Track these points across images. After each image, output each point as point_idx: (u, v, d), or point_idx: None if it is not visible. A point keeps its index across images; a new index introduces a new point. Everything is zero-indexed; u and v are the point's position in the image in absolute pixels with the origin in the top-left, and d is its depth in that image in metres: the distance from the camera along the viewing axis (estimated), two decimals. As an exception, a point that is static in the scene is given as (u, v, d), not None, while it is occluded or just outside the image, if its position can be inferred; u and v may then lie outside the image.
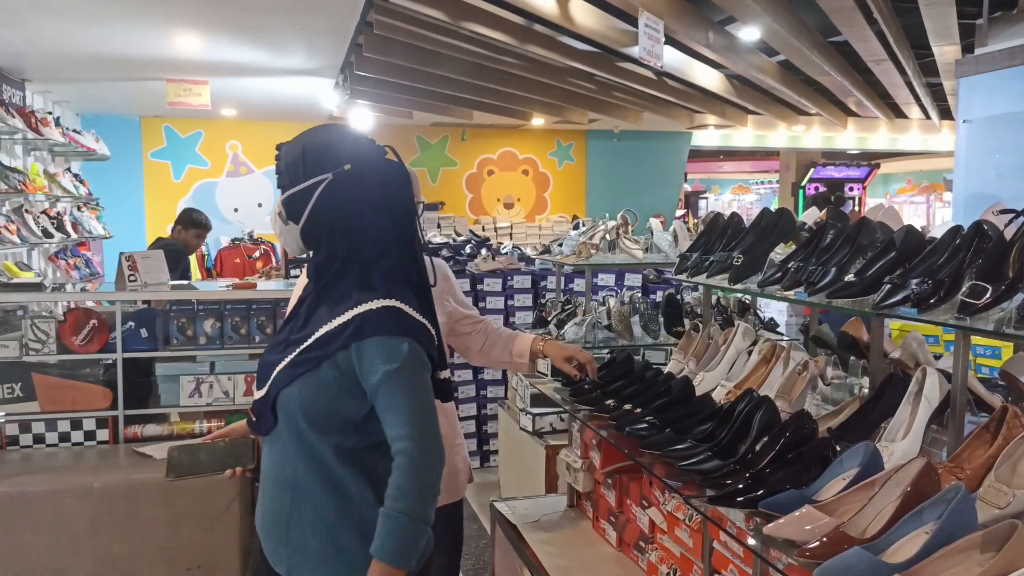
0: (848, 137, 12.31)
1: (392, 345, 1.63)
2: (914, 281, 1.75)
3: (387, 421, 1.63)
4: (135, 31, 5.71)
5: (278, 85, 7.97)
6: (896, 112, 10.84)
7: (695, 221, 12.69)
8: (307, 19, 5.43)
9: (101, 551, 3.42)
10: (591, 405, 2.55)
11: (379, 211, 1.72)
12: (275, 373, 1.75)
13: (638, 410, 2.33)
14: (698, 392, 2.42)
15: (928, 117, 10.74)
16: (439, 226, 10.74)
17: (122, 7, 5.08)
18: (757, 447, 1.89)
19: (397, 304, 1.67)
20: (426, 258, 2.00)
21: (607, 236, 3.82)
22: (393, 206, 1.77)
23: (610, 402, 2.46)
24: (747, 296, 3.88)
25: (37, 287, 4.09)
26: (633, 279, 5.72)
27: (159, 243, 6.07)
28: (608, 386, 2.58)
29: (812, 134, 12.40)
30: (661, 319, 3.73)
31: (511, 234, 11.30)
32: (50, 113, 7.58)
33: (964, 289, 1.65)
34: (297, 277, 11.94)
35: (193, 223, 6.28)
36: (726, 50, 6.22)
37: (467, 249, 7.07)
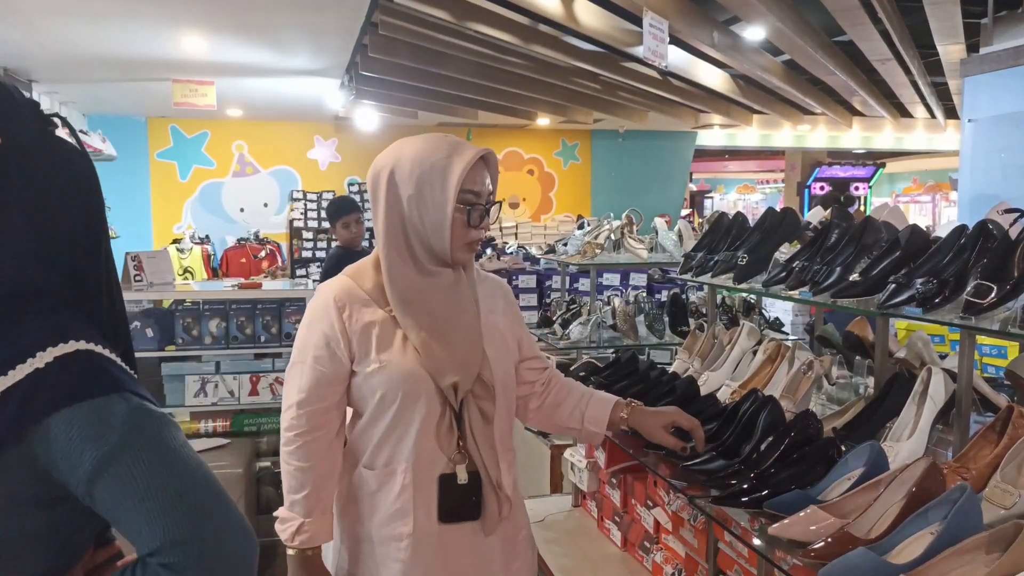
0: (853, 136, 12.29)
1: (96, 412, 0.93)
2: (919, 280, 1.75)
3: (130, 530, 0.94)
4: (141, 32, 5.73)
5: (283, 85, 7.98)
6: (901, 111, 10.82)
7: (700, 220, 12.68)
8: (312, 19, 5.43)
9: (107, 550, 3.43)
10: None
11: (41, 211, 1.00)
12: None
13: (643, 410, 2.32)
14: (703, 392, 2.42)
15: (933, 116, 10.72)
16: (444, 226, 10.74)
17: (128, 8, 5.09)
18: (762, 447, 1.89)
19: (84, 346, 0.97)
20: (486, 274, 1.90)
21: (612, 236, 3.81)
22: (72, 207, 1.05)
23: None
24: (752, 296, 3.88)
25: (43, 287, 4.09)
26: (638, 279, 5.71)
27: (334, 257, 4.97)
28: (613, 386, 2.58)
29: (817, 133, 12.38)
30: (666, 319, 3.72)
31: (516, 234, 11.31)
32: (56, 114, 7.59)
33: (969, 288, 1.65)
34: (304, 277, 11.91)
35: (336, 212, 4.90)
36: (731, 50, 6.21)
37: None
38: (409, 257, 1.69)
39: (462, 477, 1.70)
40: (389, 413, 1.67)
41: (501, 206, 1.80)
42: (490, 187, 1.72)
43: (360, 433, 1.74)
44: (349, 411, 1.79)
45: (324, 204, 11.02)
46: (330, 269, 4.41)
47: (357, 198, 11.17)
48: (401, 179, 1.66)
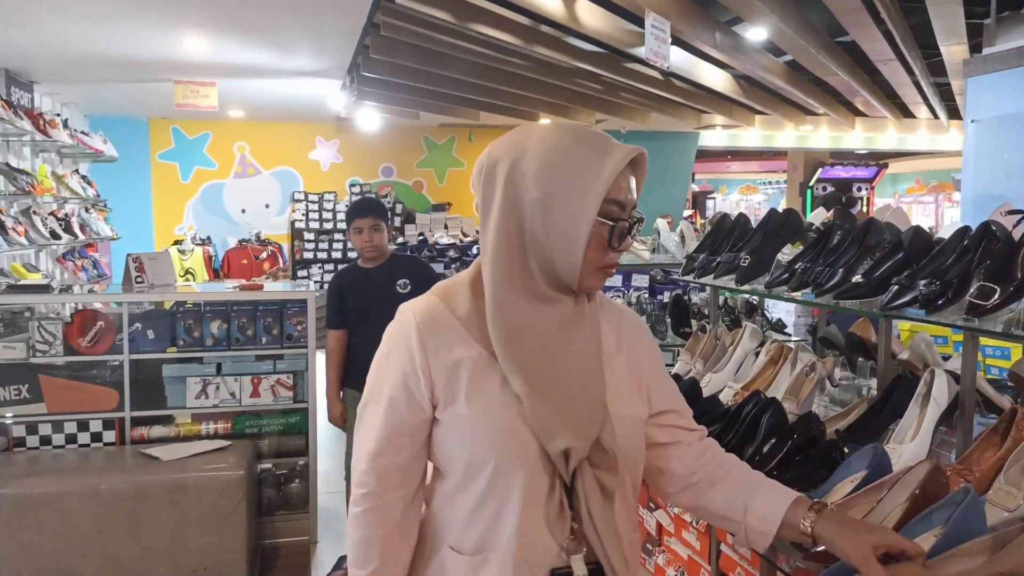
0: (856, 137, 12.27)
1: None
2: (922, 282, 1.74)
3: None
4: (143, 33, 5.73)
5: (285, 86, 7.98)
6: (904, 112, 10.81)
7: (702, 221, 12.65)
8: (314, 21, 5.43)
9: (107, 553, 3.43)
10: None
11: None
12: None
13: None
14: (705, 393, 2.41)
15: (936, 117, 10.70)
16: (446, 227, 10.75)
17: (130, 9, 5.09)
18: (765, 449, 1.88)
19: None
20: (612, 303, 1.48)
21: (613, 237, 3.81)
22: None
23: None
24: (754, 297, 3.87)
25: (44, 289, 4.10)
26: (640, 280, 5.70)
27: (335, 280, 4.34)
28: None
29: (820, 134, 12.36)
30: (668, 320, 3.72)
31: (518, 235, 11.28)
32: (58, 115, 7.61)
33: (972, 290, 1.64)
34: (306, 278, 11.91)
35: (347, 215, 4.12)
36: (733, 50, 6.20)
37: (474, 249, 7.08)
38: (522, 278, 1.27)
39: (579, 572, 1.28)
40: (480, 481, 1.26)
41: (643, 223, 1.36)
42: (636, 197, 1.31)
43: (445, 501, 1.33)
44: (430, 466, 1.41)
45: (325, 205, 11.03)
46: (330, 296, 3.95)
47: (350, 200, 11.17)
48: (525, 177, 1.24)
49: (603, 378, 1.32)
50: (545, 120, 10.22)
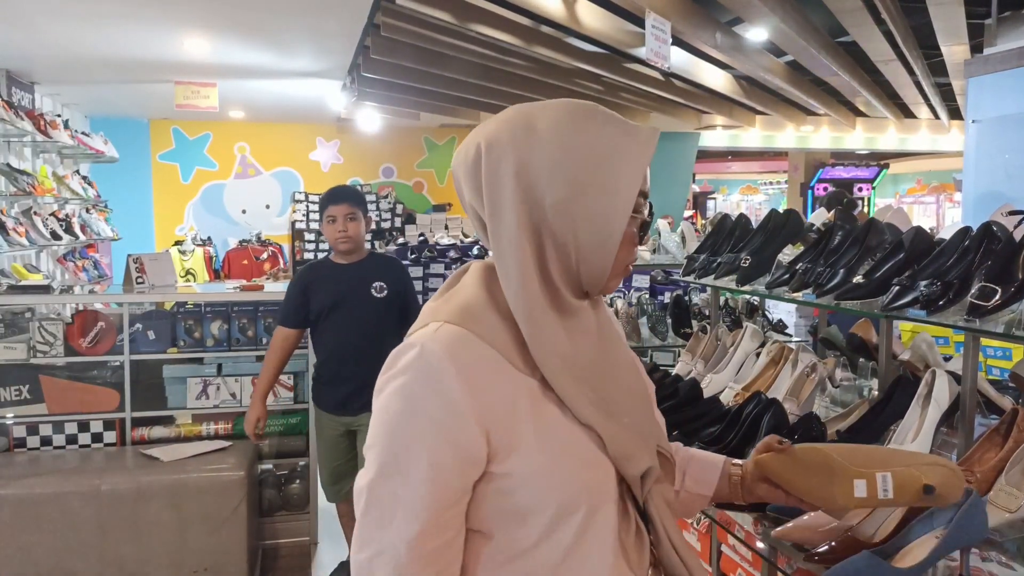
0: (857, 137, 12.27)
1: None
2: (923, 283, 1.74)
3: None
4: (144, 34, 5.73)
5: (286, 87, 7.98)
6: (905, 112, 10.80)
7: (703, 222, 12.66)
8: (315, 21, 5.43)
9: (108, 553, 3.43)
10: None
11: None
12: None
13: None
14: (706, 394, 2.41)
15: (937, 117, 10.69)
16: (447, 227, 10.75)
17: (131, 10, 5.10)
18: (765, 450, 1.88)
19: None
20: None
21: (614, 237, 3.80)
22: None
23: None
24: (755, 297, 3.86)
25: (45, 289, 4.10)
26: (641, 280, 5.70)
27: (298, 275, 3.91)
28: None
29: (821, 134, 12.36)
30: (669, 320, 3.71)
31: (518, 235, 11.28)
32: (59, 116, 7.61)
33: (973, 291, 1.64)
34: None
35: (323, 202, 3.59)
36: (733, 51, 6.20)
37: (475, 250, 7.08)
38: (547, 291, 1.07)
39: None
40: (570, 527, 1.04)
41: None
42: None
43: (516, 561, 1.06)
44: None
45: (327, 206, 11.01)
46: (291, 289, 3.56)
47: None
48: (539, 174, 1.04)
49: (646, 380, 1.22)
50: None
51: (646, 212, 1.13)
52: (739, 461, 1.37)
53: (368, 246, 3.72)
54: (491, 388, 1.02)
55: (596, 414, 1.07)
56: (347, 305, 3.45)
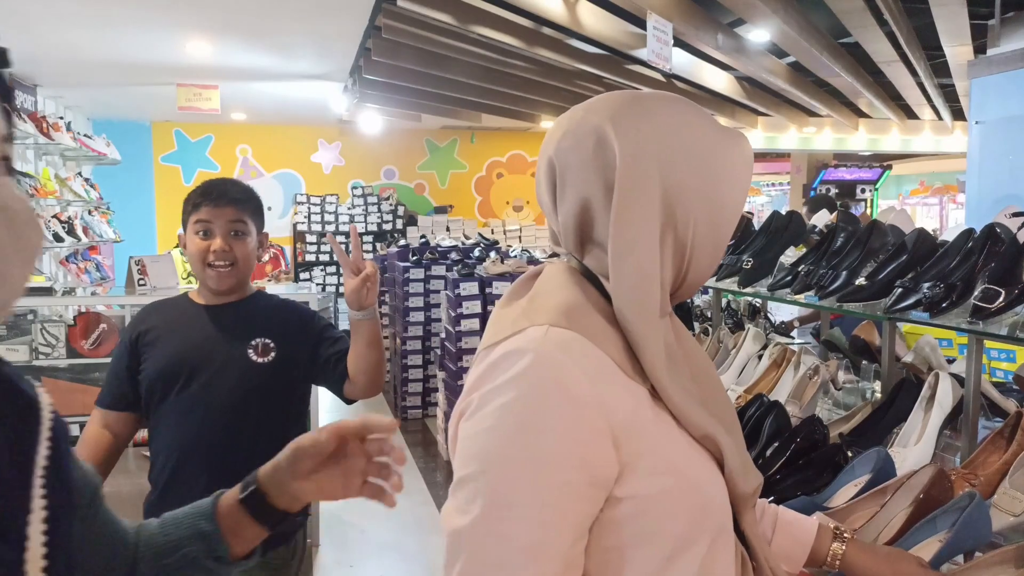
0: (860, 139, 12.25)
1: None
2: (926, 285, 1.73)
3: None
4: (146, 36, 5.74)
5: (287, 89, 7.99)
6: (908, 113, 10.78)
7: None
8: (316, 24, 5.43)
9: (110, 555, 3.42)
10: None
11: None
12: None
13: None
14: (708, 397, 2.39)
15: (940, 118, 10.68)
16: (448, 229, 10.75)
17: (133, 13, 5.10)
18: (767, 453, 1.87)
19: None
20: None
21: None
22: None
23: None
24: (757, 299, 3.86)
25: (47, 291, 4.10)
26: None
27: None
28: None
29: (823, 136, 12.34)
30: (671, 322, 3.70)
31: (520, 237, 11.29)
32: (61, 118, 7.63)
33: (977, 293, 1.63)
34: (308, 280, 11.79)
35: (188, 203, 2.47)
36: (735, 52, 6.19)
37: (476, 252, 7.07)
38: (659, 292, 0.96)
39: None
40: (699, 548, 0.93)
41: None
42: None
43: None
44: None
45: (327, 207, 11.03)
46: (117, 350, 2.24)
47: (361, 202, 11.17)
48: (675, 165, 0.94)
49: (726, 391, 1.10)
50: (548, 123, 10.20)
51: None
52: (837, 543, 1.21)
53: (257, 283, 2.53)
54: (615, 397, 0.90)
55: (719, 425, 0.96)
56: (203, 374, 2.07)
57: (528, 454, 0.86)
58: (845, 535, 1.22)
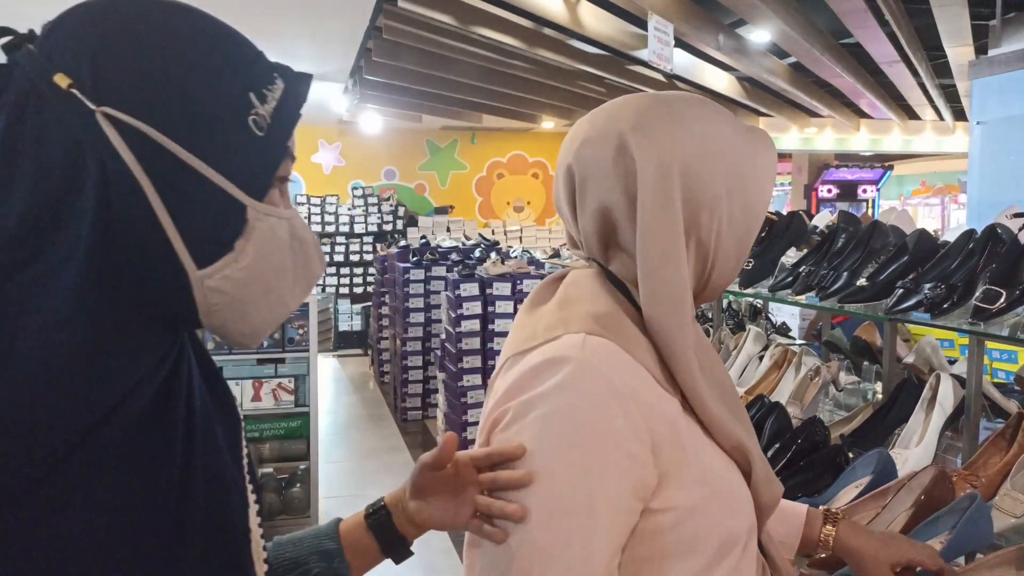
0: (861, 139, 12.25)
1: None
2: (927, 285, 1.72)
3: None
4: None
5: (288, 90, 7.98)
6: (909, 114, 10.79)
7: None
8: (317, 24, 5.44)
9: (110, 557, 3.42)
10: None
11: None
12: None
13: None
14: (708, 398, 2.39)
15: (942, 119, 10.68)
16: (448, 229, 10.75)
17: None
18: (768, 454, 1.86)
19: None
20: None
21: (616, 240, 3.79)
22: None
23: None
24: (758, 300, 3.85)
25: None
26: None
27: None
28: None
29: (824, 136, 12.34)
30: (671, 323, 3.70)
31: (521, 237, 11.29)
32: (62, 119, 7.63)
33: (978, 294, 1.63)
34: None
35: None
36: (736, 52, 6.19)
37: (476, 253, 7.07)
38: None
39: None
40: (733, 557, 0.93)
41: None
42: None
43: None
44: None
45: (328, 208, 11.03)
46: None
47: (361, 203, 11.17)
48: (699, 170, 0.93)
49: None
50: (548, 123, 10.20)
51: None
52: (828, 526, 1.21)
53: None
54: (654, 406, 0.88)
55: (746, 433, 0.95)
56: None
57: (577, 465, 0.85)
58: (837, 517, 1.21)
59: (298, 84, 0.74)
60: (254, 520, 0.79)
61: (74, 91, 0.64)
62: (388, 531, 1.02)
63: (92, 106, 0.63)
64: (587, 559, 0.84)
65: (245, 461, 0.83)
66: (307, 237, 0.75)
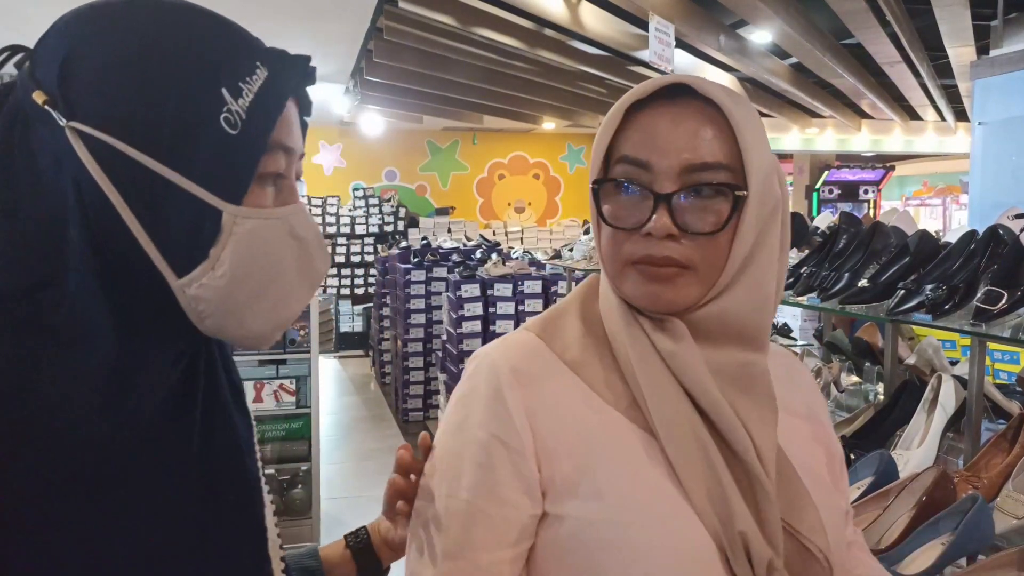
0: (862, 139, 12.24)
1: None
2: (929, 286, 1.72)
3: None
4: (146, 38, 5.74)
5: (289, 91, 7.99)
6: (911, 114, 10.78)
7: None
8: (318, 25, 5.44)
9: (111, 558, 3.42)
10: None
11: None
12: None
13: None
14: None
15: (943, 119, 10.67)
16: (449, 230, 10.76)
17: (133, 14, 5.11)
18: (769, 455, 1.86)
19: None
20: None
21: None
22: None
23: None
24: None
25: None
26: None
27: None
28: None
29: (826, 136, 12.34)
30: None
31: (522, 238, 11.30)
32: (63, 120, 7.64)
33: (979, 295, 1.63)
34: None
35: None
36: (737, 53, 6.19)
37: (477, 254, 7.07)
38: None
39: None
40: None
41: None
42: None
43: None
44: None
45: (328, 209, 11.04)
46: None
47: (362, 204, 11.17)
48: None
49: (775, 439, 0.84)
50: (549, 124, 10.20)
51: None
52: None
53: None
54: (555, 413, 0.83)
55: (686, 450, 0.80)
56: None
57: (455, 448, 0.86)
58: None
59: (285, 70, 0.71)
60: (270, 519, 0.78)
61: (48, 108, 0.63)
62: (366, 554, 1.00)
63: (62, 122, 0.63)
64: (468, 550, 0.81)
65: (260, 461, 0.83)
66: (307, 235, 0.72)
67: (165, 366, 0.68)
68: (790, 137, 12.28)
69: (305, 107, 0.77)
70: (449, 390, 5.66)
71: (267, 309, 0.71)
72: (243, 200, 0.67)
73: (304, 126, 0.78)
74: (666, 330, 0.84)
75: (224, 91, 0.65)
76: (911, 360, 2.32)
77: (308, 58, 0.75)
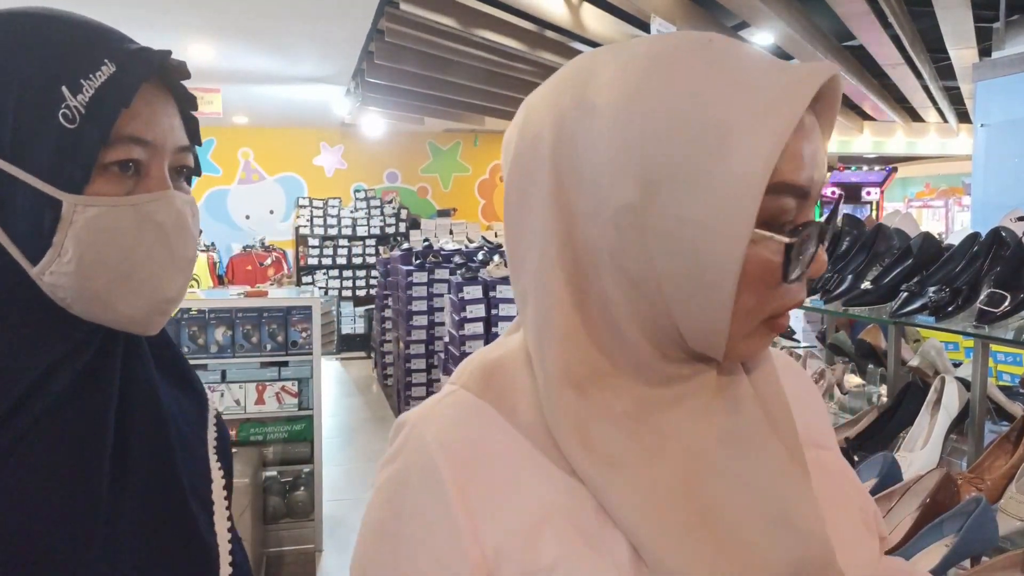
0: (864, 141, 12.24)
1: None
2: (932, 289, 1.72)
3: None
4: (148, 39, 5.67)
5: (289, 92, 7.99)
6: (913, 116, 10.77)
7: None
8: (319, 27, 5.44)
9: (112, 560, 3.42)
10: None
11: None
12: None
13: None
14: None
15: (946, 120, 10.66)
16: (451, 232, 10.75)
17: (135, 15, 5.11)
18: (772, 457, 1.86)
19: None
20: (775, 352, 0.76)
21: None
22: None
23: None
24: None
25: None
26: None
27: None
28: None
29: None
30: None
31: (524, 240, 11.27)
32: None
33: (982, 297, 1.62)
34: (310, 284, 11.82)
35: None
36: (739, 55, 6.18)
37: (479, 255, 7.06)
38: (613, 346, 0.65)
39: None
40: None
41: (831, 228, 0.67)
42: (825, 172, 0.63)
43: None
44: None
45: (330, 211, 11.04)
46: None
47: (364, 205, 11.18)
48: (597, 160, 0.62)
49: (816, 506, 0.64)
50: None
51: (804, 229, 0.61)
52: None
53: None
54: (502, 500, 0.63)
55: (662, 541, 0.60)
56: None
57: (387, 546, 0.66)
58: None
59: (133, 64, 0.76)
60: (219, 493, 0.85)
61: None
62: None
63: None
64: None
65: (214, 441, 0.89)
66: (166, 220, 0.73)
67: (63, 350, 0.71)
68: (791, 139, 12.27)
69: (185, 101, 0.82)
70: (451, 392, 5.65)
71: (134, 293, 0.73)
72: (85, 190, 0.69)
73: (190, 120, 0.82)
74: (697, 377, 0.66)
75: (64, 88, 0.69)
76: (914, 362, 2.32)
77: (165, 52, 0.79)
